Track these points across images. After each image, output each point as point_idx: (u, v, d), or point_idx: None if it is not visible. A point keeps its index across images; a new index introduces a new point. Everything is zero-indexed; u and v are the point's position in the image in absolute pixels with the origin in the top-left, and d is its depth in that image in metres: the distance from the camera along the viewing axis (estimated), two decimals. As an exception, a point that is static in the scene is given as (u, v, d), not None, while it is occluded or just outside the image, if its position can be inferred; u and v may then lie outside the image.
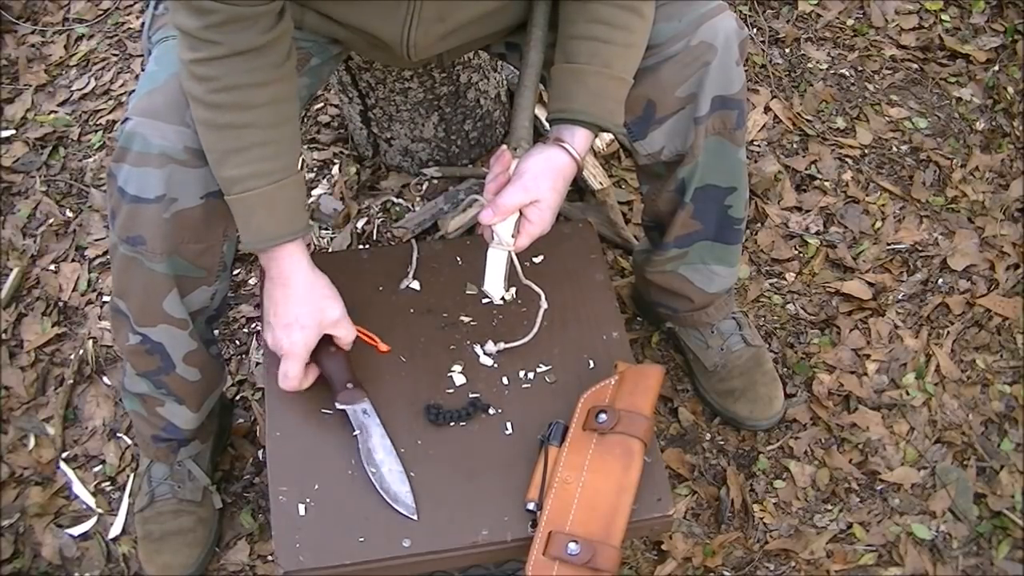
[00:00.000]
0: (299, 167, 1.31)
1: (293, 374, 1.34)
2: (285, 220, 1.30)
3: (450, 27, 1.38)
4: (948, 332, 1.90)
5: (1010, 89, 2.24)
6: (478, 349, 1.44)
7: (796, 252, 2.03)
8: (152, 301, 1.39)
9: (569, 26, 1.35)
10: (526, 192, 1.31)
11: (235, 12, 1.18)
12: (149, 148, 1.26)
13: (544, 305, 1.43)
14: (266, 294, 1.37)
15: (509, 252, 1.34)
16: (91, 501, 1.78)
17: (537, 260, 1.53)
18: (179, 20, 1.22)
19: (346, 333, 1.37)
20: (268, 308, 1.36)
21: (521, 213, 1.33)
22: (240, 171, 1.26)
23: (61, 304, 2.03)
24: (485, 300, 1.42)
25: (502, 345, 1.44)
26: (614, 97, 1.35)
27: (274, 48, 1.24)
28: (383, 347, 1.43)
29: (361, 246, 2.02)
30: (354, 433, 1.34)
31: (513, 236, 1.33)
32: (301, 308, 1.33)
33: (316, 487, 1.32)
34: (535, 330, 1.43)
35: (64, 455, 1.84)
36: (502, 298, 1.38)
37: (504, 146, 1.36)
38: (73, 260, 2.10)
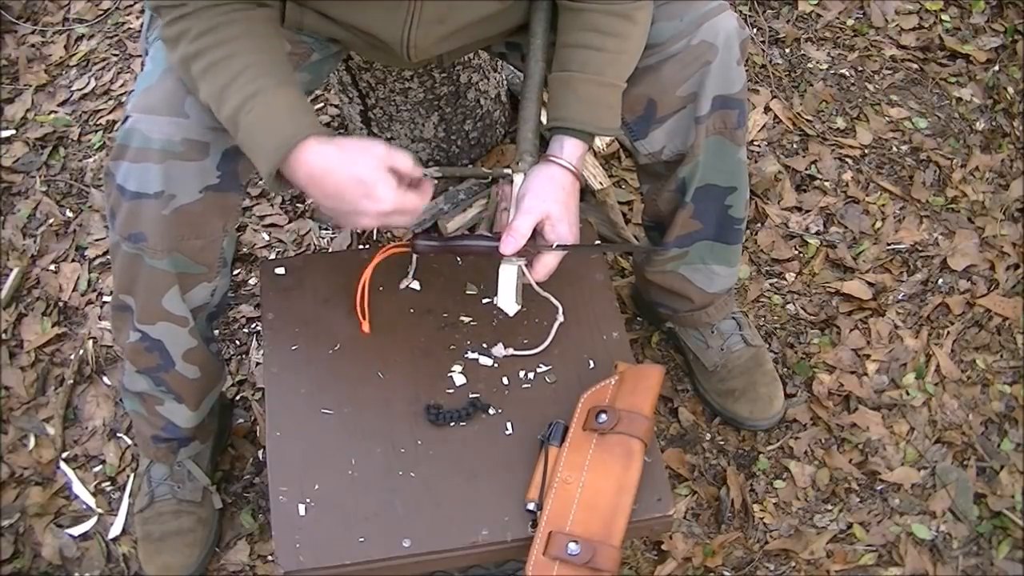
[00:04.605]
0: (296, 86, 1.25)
1: (414, 205, 1.25)
2: (297, 118, 1.22)
3: (450, 29, 1.38)
4: (948, 332, 1.90)
5: (1010, 89, 2.24)
6: (480, 351, 1.44)
7: (796, 252, 2.03)
8: (153, 298, 1.40)
9: (563, 34, 1.38)
10: (531, 213, 1.32)
11: None
12: (149, 144, 1.27)
13: (560, 319, 1.44)
14: (321, 202, 1.27)
15: (519, 266, 1.36)
16: (91, 501, 1.78)
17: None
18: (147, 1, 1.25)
19: (403, 159, 1.26)
20: (336, 206, 1.25)
21: (541, 237, 1.35)
22: (237, 98, 1.21)
23: (61, 304, 2.03)
24: (499, 311, 1.42)
25: (511, 351, 1.44)
26: (606, 103, 1.37)
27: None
28: (365, 328, 1.42)
29: (361, 246, 2.02)
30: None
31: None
32: (357, 169, 1.22)
33: (316, 487, 1.32)
34: (548, 341, 1.44)
35: (64, 455, 1.84)
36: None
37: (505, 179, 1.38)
38: (73, 260, 2.10)
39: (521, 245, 1.31)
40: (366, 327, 1.44)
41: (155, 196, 1.28)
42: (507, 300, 1.36)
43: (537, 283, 1.38)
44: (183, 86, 1.27)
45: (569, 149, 1.36)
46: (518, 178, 1.37)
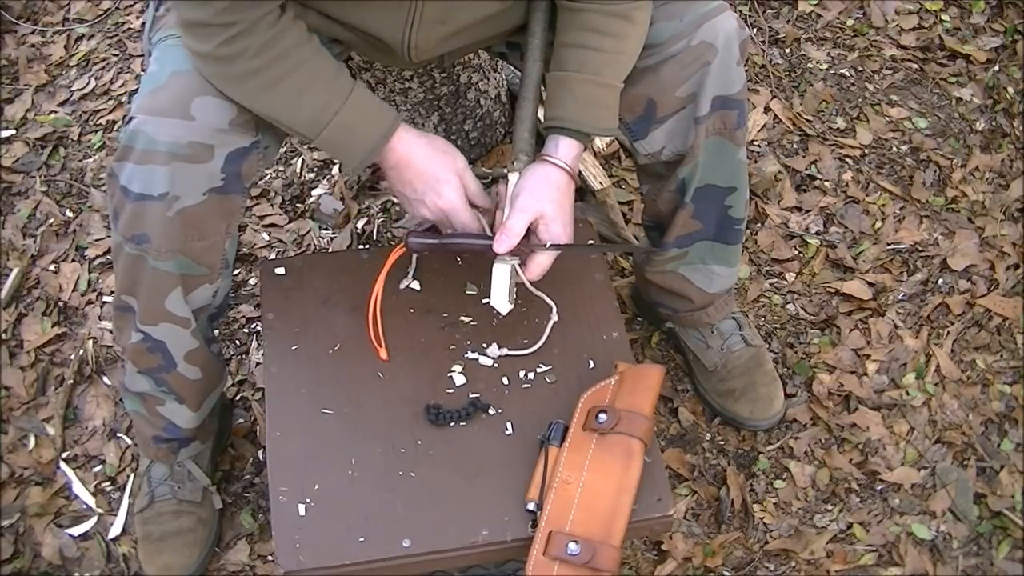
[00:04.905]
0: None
1: (466, 220, 1.37)
2: (382, 113, 1.33)
3: (451, 29, 1.38)
4: (948, 332, 1.90)
5: (1010, 89, 2.24)
6: (479, 351, 1.44)
7: (796, 252, 2.03)
8: (155, 299, 1.40)
9: (561, 34, 1.38)
10: (525, 212, 1.33)
11: None
12: (155, 146, 1.26)
13: (555, 318, 1.44)
14: (395, 185, 1.39)
15: (513, 265, 1.36)
16: (91, 501, 1.78)
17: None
18: (186, 15, 1.23)
19: (474, 181, 1.40)
20: (404, 191, 1.38)
21: (535, 236, 1.35)
22: (317, 102, 1.28)
23: (61, 304, 2.03)
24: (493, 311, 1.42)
25: (505, 351, 1.44)
26: (603, 104, 1.37)
27: (278, 7, 1.26)
28: (383, 355, 1.43)
29: (361, 246, 2.02)
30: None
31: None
32: (436, 166, 1.36)
33: (316, 487, 1.32)
34: (541, 341, 1.44)
35: (64, 455, 1.84)
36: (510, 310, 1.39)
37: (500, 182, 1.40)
38: (73, 260, 2.10)
39: (514, 244, 1.32)
40: (383, 354, 1.44)
41: (159, 198, 1.28)
42: (500, 299, 1.36)
43: (531, 282, 1.38)
44: (191, 88, 1.27)
45: (564, 149, 1.36)
46: (512, 177, 1.37)
